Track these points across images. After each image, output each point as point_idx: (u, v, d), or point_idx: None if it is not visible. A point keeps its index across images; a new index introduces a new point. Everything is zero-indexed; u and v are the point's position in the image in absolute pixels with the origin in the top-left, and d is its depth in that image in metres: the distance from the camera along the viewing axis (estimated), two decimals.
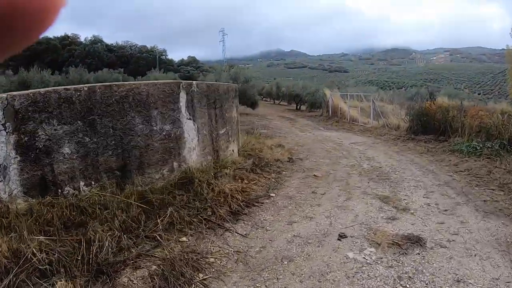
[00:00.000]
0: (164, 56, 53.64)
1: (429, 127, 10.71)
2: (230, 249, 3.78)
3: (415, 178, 6.38)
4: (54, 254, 3.22)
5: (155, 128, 4.68)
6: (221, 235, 4.11)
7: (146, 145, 4.59)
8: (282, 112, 23.85)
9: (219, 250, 3.75)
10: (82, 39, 55.80)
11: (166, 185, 4.88)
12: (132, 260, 3.42)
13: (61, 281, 2.90)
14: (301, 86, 26.34)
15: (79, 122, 3.97)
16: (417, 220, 4.31)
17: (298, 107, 26.63)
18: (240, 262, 3.52)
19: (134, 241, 3.78)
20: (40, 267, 3.06)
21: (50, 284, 2.89)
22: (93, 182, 4.27)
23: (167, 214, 4.29)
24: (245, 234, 4.11)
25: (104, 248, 3.41)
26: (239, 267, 3.43)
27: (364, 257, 3.40)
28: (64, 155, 3.93)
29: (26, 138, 3.68)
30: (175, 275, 3.16)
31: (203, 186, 5.05)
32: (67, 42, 52.44)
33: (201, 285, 3.13)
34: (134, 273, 3.24)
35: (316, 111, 23.27)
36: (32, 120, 3.69)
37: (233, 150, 7.35)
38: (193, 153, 5.63)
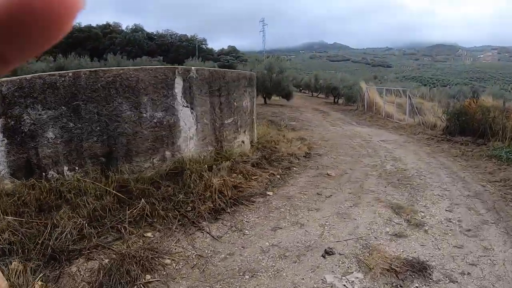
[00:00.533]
0: (204, 45, 53.57)
1: (467, 128, 9.43)
2: (193, 252, 3.22)
3: (442, 186, 5.37)
4: (18, 235, 3.16)
5: (144, 115, 4.37)
6: (190, 234, 3.53)
7: (134, 132, 4.30)
8: (318, 105, 22.79)
9: (181, 252, 3.21)
10: (123, 27, 57.12)
11: (155, 175, 4.50)
12: (88, 250, 3.20)
13: (15, 261, 2.82)
14: (339, 79, 25.04)
15: (63, 107, 3.85)
16: (430, 240, 3.43)
17: (336, 100, 25.38)
18: (197, 269, 2.98)
19: (99, 230, 3.48)
20: (1, 246, 3.03)
21: (5, 263, 2.81)
22: (77, 168, 4.10)
23: (138, 206, 3.80)
24: (218, 237, 3.49)
25: (64, 235, 3.24)
26: (193, 274, 2.90)
27: (345, 284, 2.66)
28: (48, 139, 3.85)
29: (12, 122, 3.67)
30: (121, 272, 2.85)
31: (194, 178, 4.52)
32: (108, 30, 53.77)
33: None
34: (85, 264, 3.03)
35: (352, 105, 21.97)
36: (18, 105, 3.66)
37: (243, 142, 6.71)
38: (190, 142, 5.13)
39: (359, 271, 2.85)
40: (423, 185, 5.44)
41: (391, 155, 7.91)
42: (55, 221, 3.39)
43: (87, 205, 3.72)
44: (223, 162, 5.36)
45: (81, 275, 2.90)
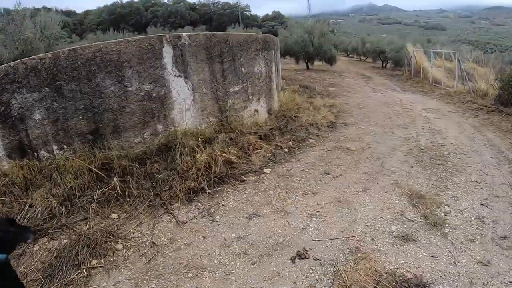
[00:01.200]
0: (247, 12, 51.31)
1: None
2: (149, 238, 2.75)
3: (483, 169, 4.26)
4: None
5: (130, 89, 4.03)
6: (155, 217, 3.02)
7: (120, 107, 4.00)
8: (364, 69, 20.92)
9: (137, 237, 2.78)
10: (165, 0, 56.06)
11: (146, 150, 4.11)
12: (54, 230, 3.02)
13: None
14: (386, 42, 22.70)
15: (46, 88, 3.77)
16: (446, 249, 2.51)
17: (384, 65, 23.20)
18: (144, 258, 2.54)
19: (69, 210, 3.24)
20: None
21: None
22: (65, 146, 3.97)
23: (110, 185, 3.29)
24: (182, 222, 2.94)
25: (35, 214, 3.12)
26: (137, 264, 2.49)
27: None
28: (36, 121, 3.82)
29: (3, 108, 3.71)
30: (70, 255, 2.63)
31: (182, 153, 3.90)
32: (150, 4, 53.33)
33: (84, 273, 2.47)
34: (47, 244, 2.86)
35: (400, 69, 19.93)
36: (6, 91, 3.68)
37: (256, 111, 5.93)
38: (186, 114, 4.59)
39: (330, 286, 2.08)
40: (459, 167, 4.37)
41: (430, 127, 6.71)
42: (32, 200, 3.26)
43: (63, 184, 3.43)
44: (221, 134, 4.67)
45: (40, 254, 2.74)
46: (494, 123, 6.94)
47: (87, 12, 57.74)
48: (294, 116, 6.66)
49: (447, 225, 2.86)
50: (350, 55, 33.02)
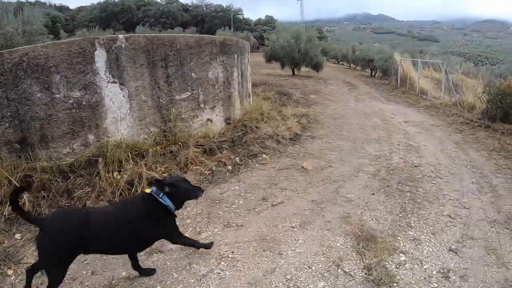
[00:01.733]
0: (240, 15, 50.79)
1: None
2: None
3: (460, 199, 3.55)
4: None
5: (57, 96, 3.69)
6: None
7: (48, 115, 3.67)
8: (352, 77, 20.37)
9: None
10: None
11: (75, 162, 3.67)
12: None
13: None
14: (376, 51, 22.23)
15: None
16: None
17: (373, 73, 22.73)
18: None
19: None
20: None
21: None
22: None
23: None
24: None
25: None
26: None
27: None
28: None
29: None
30: None
31: (110, 168, 3.26)
32: (142, 2, 52.77)
33: None
34: None
35: (388, 79, 19.44)
36: None
37: (209, 120, 5.19)
38: (121, 124, 4.06)
39: None
40: (431, 195, 3.65)
41: (407, 143, 6.03)
42: None
43: None
44: (157, 147, 3.92)
45: None
46: (479, 139, 6.29)
47: (80, 8, 57.07)
48: (255, 127, 5.92)
49: (395, 284, 2.11)
50: (341, 62, 32.61)
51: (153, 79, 4.25)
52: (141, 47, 4.12)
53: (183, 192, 2.10)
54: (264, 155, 4.79)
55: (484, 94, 8.53)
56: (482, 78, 13.25)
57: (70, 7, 59.65)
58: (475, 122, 7.79)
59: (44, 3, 54.34)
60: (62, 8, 57.91)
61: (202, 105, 5.01)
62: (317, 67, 18.88)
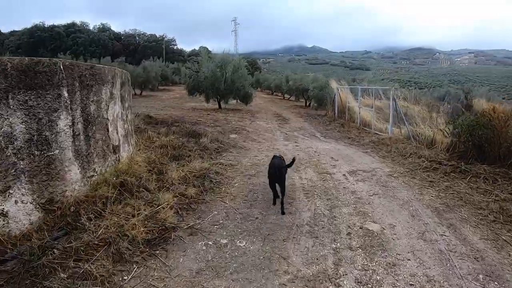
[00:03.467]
0: (173, 46, 48.75)
1: (491, 150, 5.25)
2: None
3: None
4: None
5: None
6: None
7: None
8: (284, 109, 18.29)
9: None
10: (91, 27, 53.30)
11: None
12: None
13: None
14: (311, 80, 20.66)
15: None
16: None
17: (307, 103, 20.99)
18: None
19: None
20: None
21: None
22: None
23: None
24: None
25: None
26: None
27: None
28: None
29: None
30: None
31: None
32: (73, 29, 49.95)
33: None
34: None
35: (324, 109, 17.66)
36: None
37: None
38: None
39: None
40: None
41: (363, 226, 3.48)
42: None
43: None
44: None
45: None
46: (464, 198, 4.04)
47: (12, 33, 51.75)
48: (95, 216, 2.95)
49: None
50: (275, 93, 31.10)
51: None
52: None
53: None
54: None
55: (447, 126, 6.46)
56: (428, 105, 11.66)
57: (2, 31, 53.77)
58: (444, 164, 5.59)
59: None
60: None
61: None
62: (245, 99, 16.57)
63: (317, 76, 21.86)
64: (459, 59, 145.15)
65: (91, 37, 49.26)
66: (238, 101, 17.14)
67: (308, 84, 19.79)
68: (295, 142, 8.62)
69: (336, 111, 12.62)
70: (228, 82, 15.69)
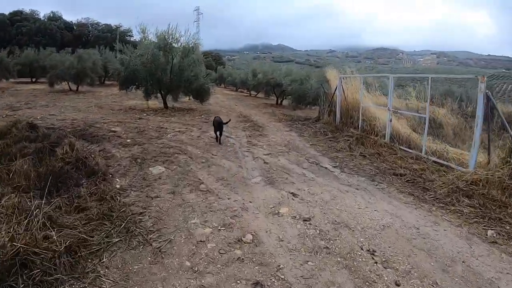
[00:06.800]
0: (130, 37, 42.24)
1: None
2: None
3: None
4: None
5: None
6: None
7: None
8: (253, 108, 13.22)
9: None
10: (41, 15, 46.35)
11: None
12: None
13: None
14: (283, 73, 15.83)
15: None
16: None
17: (279, 101, 16.15)
18: None
19: None
20: None
21: None
22: None
23: None
24: None
25: None
26: None
27: None
28: None
29: None
30: None
31: None
32: (19, 18, 42.93)
33: None
34: None
35: (305, 108, 12.82)
36: None
37: None
38: None
39: None
40: None
41: None
42: None
43: None
44: None
45: None
46: None
47: None
48: None
49: None
50: (239, 90, 26.04)
51: None
52: None
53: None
54: None
55: None
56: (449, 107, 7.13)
57: None
58: None
59: None
60: None
61: None
62: (201, 95, 11.31)
63: (291, 69, 17.06)
64: (421, 59, 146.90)
65: (37, 26, 42.65)
66: (192, 98, 11.91)
67: (281, 78, 14.95)
68: (292, 195, 3.70)
69: (338, 114, 7.69)
70: (175, 71, 10.44)
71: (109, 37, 44.18)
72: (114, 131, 6.55)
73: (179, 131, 6.85)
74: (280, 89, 15.43)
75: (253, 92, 21.97)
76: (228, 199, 3.41)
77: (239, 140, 6.34)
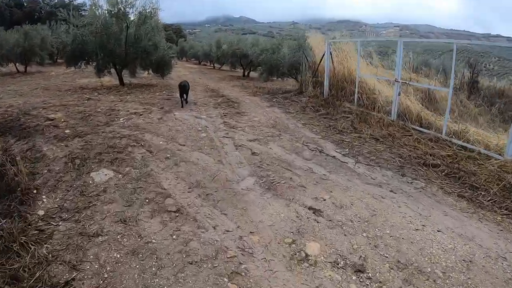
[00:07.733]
0: (85, 11, 38.30)
1: None
2: None
3: None
4: None
5: None
6: None
7: None
8: (219, 81, 11.73)
9: None
10: None
11: None
12: None
13: None
14: (249, 43, 14.44)
15: None
16: None
17: (246, 73, 14.81)
18: None
19: None
20: None
21: None
22: None
23: None
24: None
25: None
26: None
27: None
28: None
29: None
30: None
31: None
32: None
33: None
34: None
35: (277, 80, 11.57)
36: None
37: None
38: None
39: None
40: None
41: None
42: None
43: None
44: None
45: None
46: None
47: None
48: None
49: None
50: (203, 63, 24.18)
51: None
52: None
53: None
54: None
55: None
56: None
57: None
58: None
59: None
60: None
61: None
62: (161, 68, 9.68)
63: (257, 38, 15.68)
64: (384, 32, 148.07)
65: None
66: (152, 72, 10.23)
67: (247, 49, 13.58)
68: (311, 211, 2.49)
69: (326, 87, 6.49)
70: (131, 40, 8.71)
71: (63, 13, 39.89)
72: (52, 119, 4.97)
73: (135, 112, 5.37)
74: (247, 60, 14.07)
75: (217, 65, 20.31)
76: (214, 228, 2.16)
77: (213, 121, 4.99)
